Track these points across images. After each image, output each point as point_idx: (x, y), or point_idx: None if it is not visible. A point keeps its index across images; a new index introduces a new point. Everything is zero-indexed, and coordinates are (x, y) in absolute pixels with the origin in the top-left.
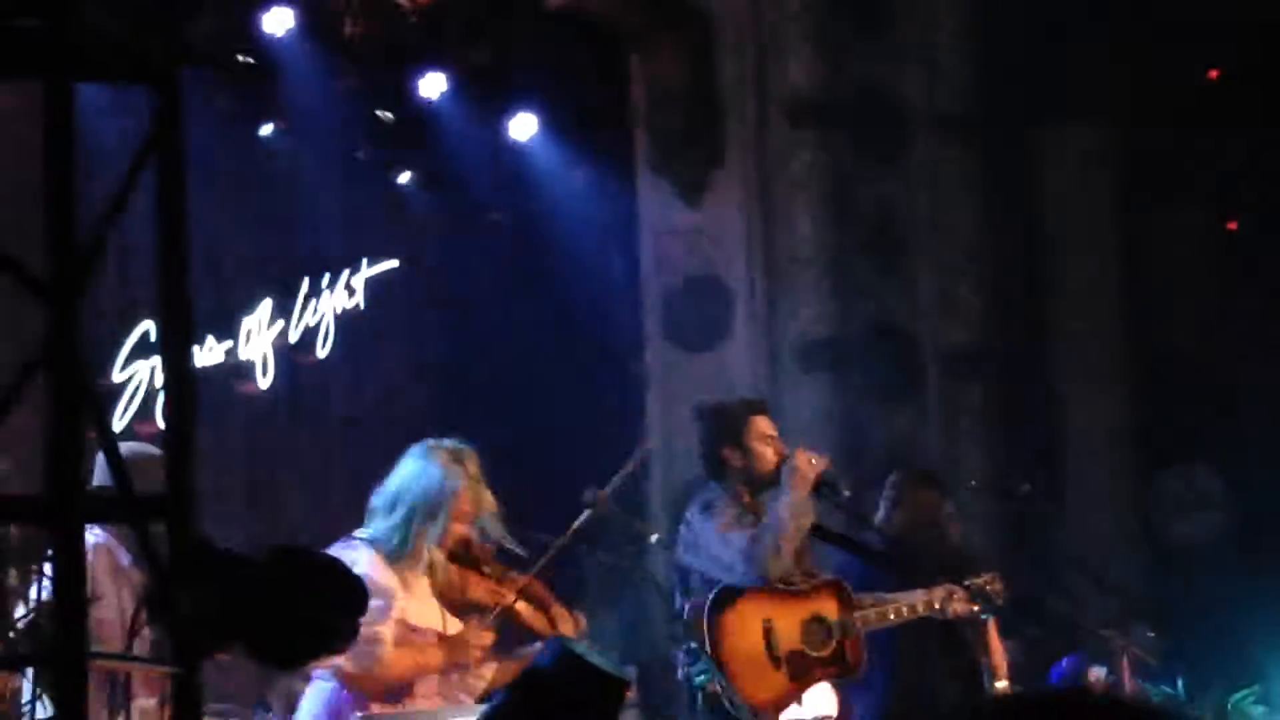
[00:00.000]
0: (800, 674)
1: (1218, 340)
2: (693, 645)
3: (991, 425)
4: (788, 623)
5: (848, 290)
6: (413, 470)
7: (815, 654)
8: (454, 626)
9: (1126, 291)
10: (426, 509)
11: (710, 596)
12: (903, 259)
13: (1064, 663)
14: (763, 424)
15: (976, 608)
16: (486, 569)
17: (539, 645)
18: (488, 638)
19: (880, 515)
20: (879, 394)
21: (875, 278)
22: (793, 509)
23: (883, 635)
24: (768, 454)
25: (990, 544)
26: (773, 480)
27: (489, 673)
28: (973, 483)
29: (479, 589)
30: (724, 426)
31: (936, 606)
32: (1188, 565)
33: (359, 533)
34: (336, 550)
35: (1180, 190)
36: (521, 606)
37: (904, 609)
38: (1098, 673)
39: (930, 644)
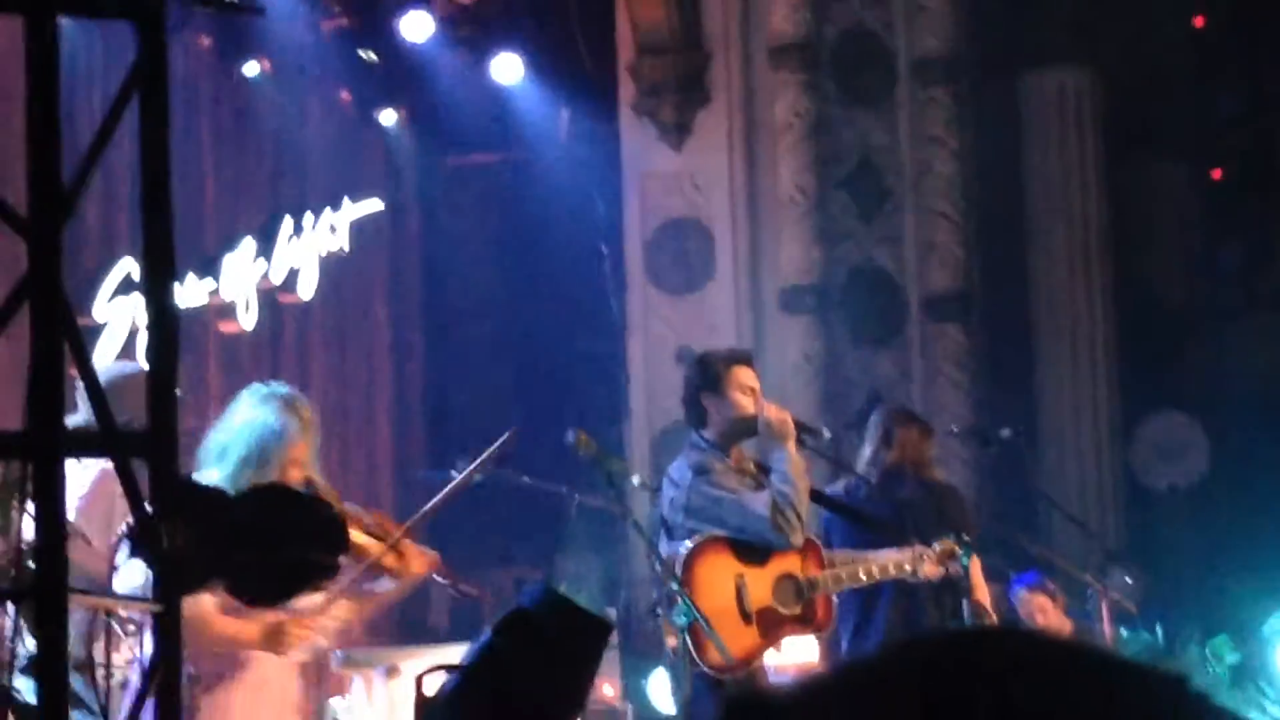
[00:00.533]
0: (770, 630)
1: (1200, 288)
2: (674, 587)
3: (973, 370)
4: (759, 579)
5: (830, 234)
6: (245, 417)
7: (785, 611)
8: None
9: (1110, 238)
10: (258, 456)
11: (686, 549)
12: (886, 203)
13: (1023, 577)
14: (744, 374)
15: (945, 570)
16: None
17: (386, 582)
18: (309, 628)
19: (866, 452)
20: (861, 338)
21: (858, 221)
22: (794, 467)
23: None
24: (747, 405)
25: (970, 488)
26: (750, 431)
27: (341, 611)
28: (954, 427)
29: None
30: (705, 376)
31: (908, 568)
32: (1167, 512)
33: None
34: None
35: (1165, 138)
36: (370, 544)
37: (875, 569)
38: (1052, 587)
39: (919, 588)
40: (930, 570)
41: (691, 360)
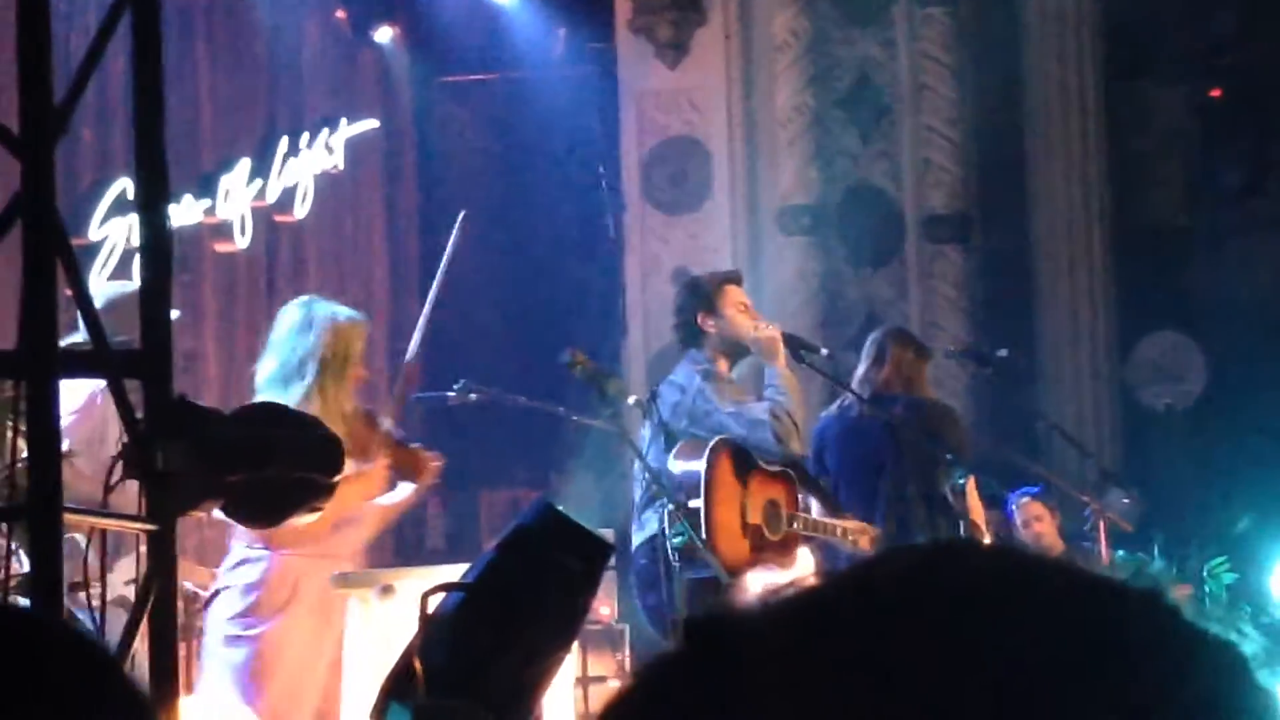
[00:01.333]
0: (757, 549)
1: (1199, 207)
2: (670, 506)
3: (970, 290)
4: (756, 498)
5: (828, 153)
6: (311, 328)
7: (769, 536)
8: None
9: (1108, 158)
10: (337, 361)
11: (705, 459)
12: (883, 122)
13: (1023, 488)
14: (736, 292)
15: (870, 551)
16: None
17: (406, 486)
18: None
19: (859, 372)
20: (858, 258)
21: (855, 141)
22: (787, 380)
23: (864, 500)
24: (744, 321)
25: (967, 409)
26: (748, 350)
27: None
28: (951, 347)
29: (371, 437)
30: (699, 295)
31: (850, 539)
32: (1165, 432)
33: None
34: None
35: (1163, 58)
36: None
37: (827, 528)
38: (1051, 501)
39: (915, 509)
40: (865, 545)
41: (683, 285)
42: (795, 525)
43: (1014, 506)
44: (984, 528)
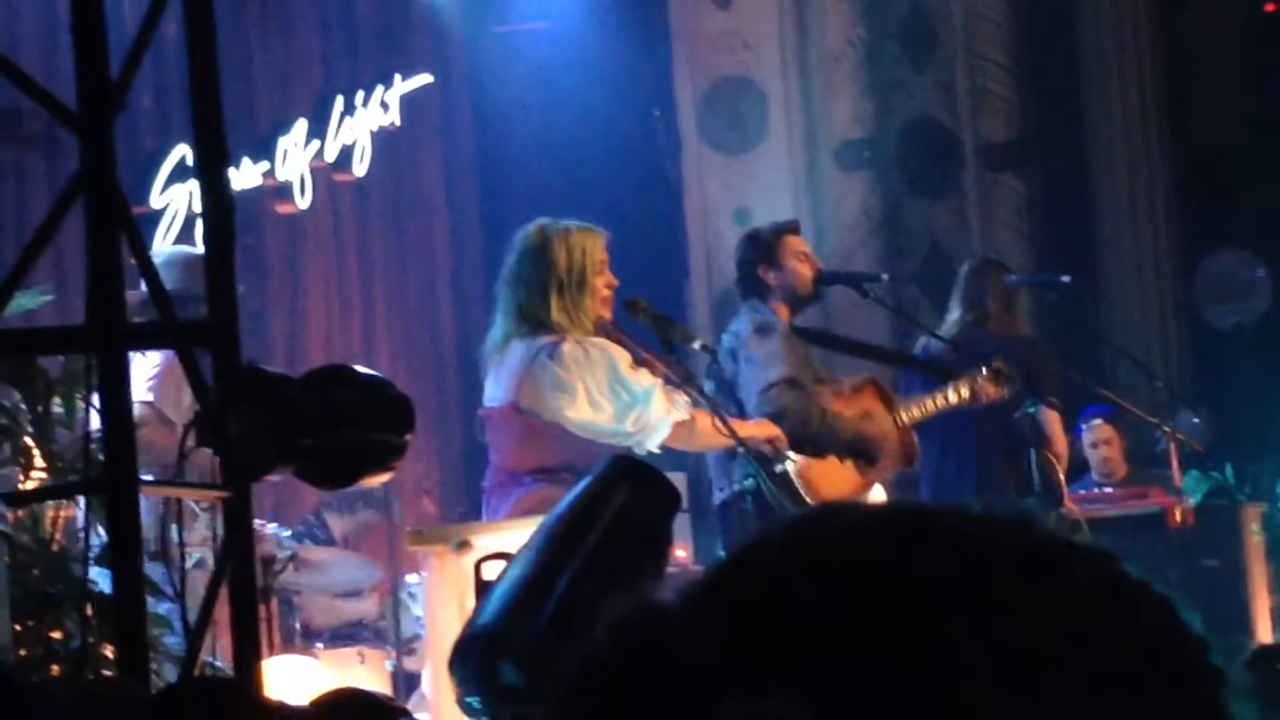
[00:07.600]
0: (865, 468)
1: (1260, 123)
2: (740, 451)
3: (1032, 218)
4: (849, 418)
5: (883, 87)
6: (545, 246)
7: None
8: None
9: (1166, 78)
10: (575, 274)
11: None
12: (938, 53)
13: (1095, 408)
14: (796, 242)
15: (1004, 391)
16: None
17: None
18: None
19: (954, 315)
20: (918, 190)
21: (910, 73)
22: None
23: (938, 434)
24: (804, 271)
25: (1034, 336)
26: (811, 299)
27: None
28: (1013, 276)
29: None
30: (759, 249)
31: (965, 394)
32: (1232, 350)
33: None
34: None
35: None
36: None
37: (940, 399)
38: (1121, 426)
39: (990, 438)
40: (991, 391)
41: (742, 238)
42: (903, 421)
43: (1084, 427)
44: (1063, 458)
